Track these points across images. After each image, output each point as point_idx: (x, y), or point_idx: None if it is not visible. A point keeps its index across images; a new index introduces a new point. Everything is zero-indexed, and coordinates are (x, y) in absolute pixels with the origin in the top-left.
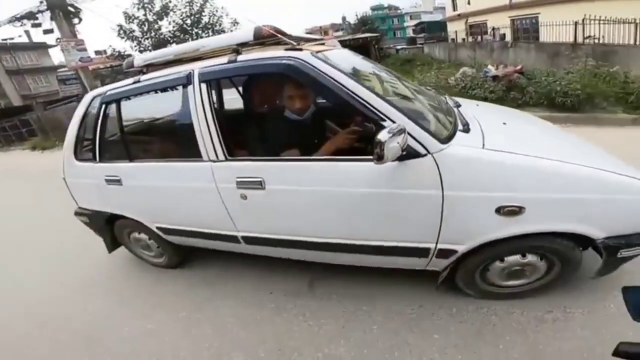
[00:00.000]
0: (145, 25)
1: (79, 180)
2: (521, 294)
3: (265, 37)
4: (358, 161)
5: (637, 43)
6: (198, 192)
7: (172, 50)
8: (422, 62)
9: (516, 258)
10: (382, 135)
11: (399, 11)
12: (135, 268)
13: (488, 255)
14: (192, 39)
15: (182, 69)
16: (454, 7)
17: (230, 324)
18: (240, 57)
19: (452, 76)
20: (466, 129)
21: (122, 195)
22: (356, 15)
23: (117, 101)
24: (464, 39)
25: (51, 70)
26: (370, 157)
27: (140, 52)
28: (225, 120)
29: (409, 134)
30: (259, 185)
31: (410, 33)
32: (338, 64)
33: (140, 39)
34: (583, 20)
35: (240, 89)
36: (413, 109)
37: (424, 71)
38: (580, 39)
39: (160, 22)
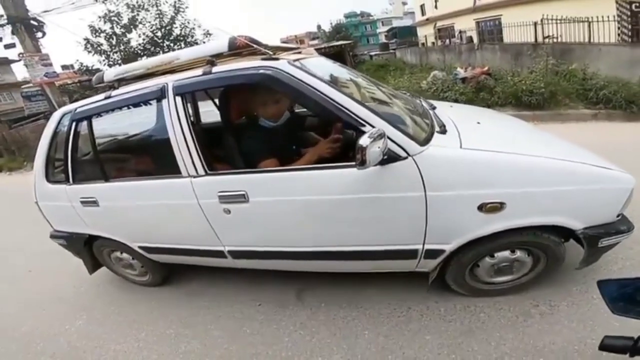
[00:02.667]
0: (113, 39)
1: (52, 203)
2: (508, 289)
3: (240, 48)
4: (341, 168)
5: (591, 41)
6: (179, 209)
7: (144, 63)
8: (395, 67)
9: (504, 254)
10: (363, 141)
11: (371, 18)
12: (117, 286)
13: (475, 253)
14: (164, 52)
15: (155, 83)
16: (423, 12)
17: (220, 339)
18: (215, 69)
19: (424, 80)
20: (443, 130)
21: (99, 216)
22: (330, 23)
23: (88, 118)
24: (433, 43)
25: (15, 86)
26: (353, 163)
27: (110, 66)
28: (203, 133)
29: (388, 137)
30: (243, 198)
31: (382, 39)
32: (316, 71)
33: (108, 53)
34: (542, 20)
35: (217, 101)
36: (391, 113)
37: (397, 76)
38: (540, 39)
39: (129, 35)
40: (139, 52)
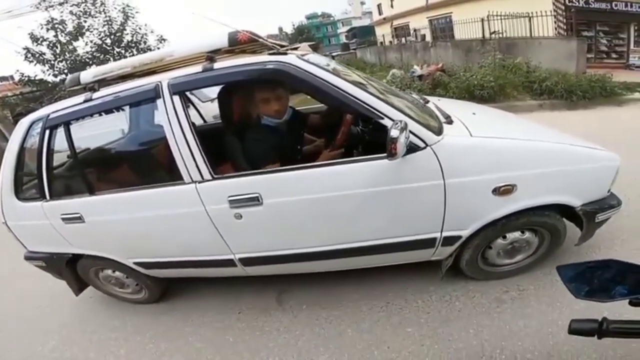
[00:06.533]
0: (57, 47)
1: (25, 222)
2: (515, 270)
3: (242, 43)
4: (359, 162)
5: (532, 35)
6: (182, 218)
7: (130, 61)
8: (356, 67)
9: (514, 235)
10: (394, 133)
11: (331, 18)
12: (86, 304)
13: (488, 237)
14: (115, 59)
15: (145, 82)
16: (380, 12)
17: (202, 350)
18: (216, 65)
19: (384, 78)
20: (449, 121)
21: (85, 233)
22: (293, 25)
23: (66, 125)
24: (391, 42)
25: None
26: (372, 156)
27: (55, 76)
28: (202, 135)
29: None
30: (256, 201)
31: (343, 39)
32: (324, 66)
33: (52, 62)
34: (488, 16)
35: (200, 102)
36: (402, 105)
37: None
38: (487, 35)
39: (75, 43)
40: (88, 60)
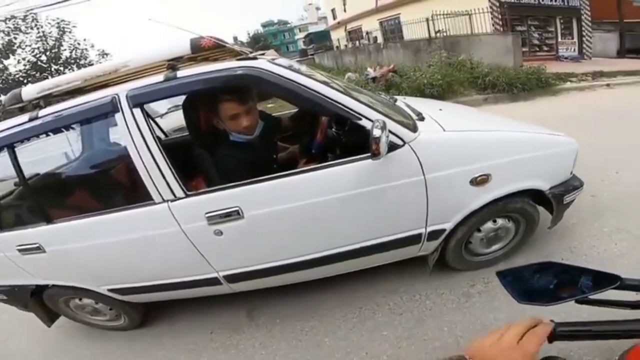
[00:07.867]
0: None
1: None
2: (497, 259)
3: (206, 50)
4: (342, 164)
5: (473, 32)
6: (157, 240)
7: (80, 74)
8: None
9: (490, 225)
10: (376, 132)
11: (288, 25)
12: (55, 332)
13: (470, 227)
14: (52, 76)
15: (101, 95)
16: (334, 16)
17: None
18: (179, 73)
19: None
20: (421, 118)
21: (48, 263)
22: (248, 34)
23: (10, 147)
24: (346, 46)
25: None
26: (354, 157)
27: None
28: (169, 149)
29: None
30: (237, 214)
31: (302, 45)
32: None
33: None
34: (432, 16)
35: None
36: (378, 105)
37: None
38: (433, 34)
39: (5, 62)
40: (22, 79)
